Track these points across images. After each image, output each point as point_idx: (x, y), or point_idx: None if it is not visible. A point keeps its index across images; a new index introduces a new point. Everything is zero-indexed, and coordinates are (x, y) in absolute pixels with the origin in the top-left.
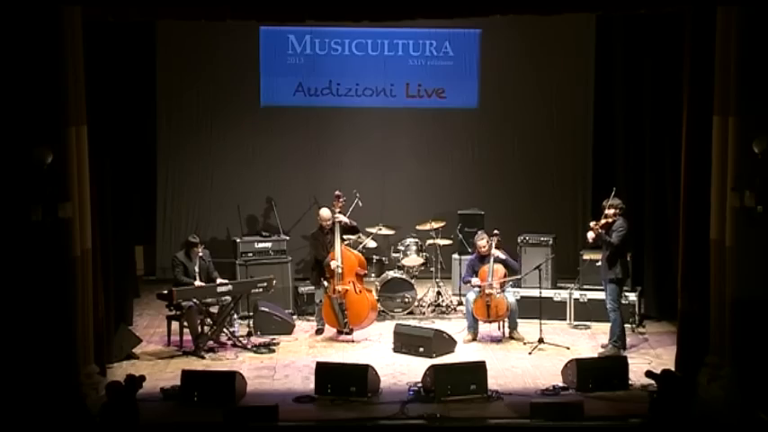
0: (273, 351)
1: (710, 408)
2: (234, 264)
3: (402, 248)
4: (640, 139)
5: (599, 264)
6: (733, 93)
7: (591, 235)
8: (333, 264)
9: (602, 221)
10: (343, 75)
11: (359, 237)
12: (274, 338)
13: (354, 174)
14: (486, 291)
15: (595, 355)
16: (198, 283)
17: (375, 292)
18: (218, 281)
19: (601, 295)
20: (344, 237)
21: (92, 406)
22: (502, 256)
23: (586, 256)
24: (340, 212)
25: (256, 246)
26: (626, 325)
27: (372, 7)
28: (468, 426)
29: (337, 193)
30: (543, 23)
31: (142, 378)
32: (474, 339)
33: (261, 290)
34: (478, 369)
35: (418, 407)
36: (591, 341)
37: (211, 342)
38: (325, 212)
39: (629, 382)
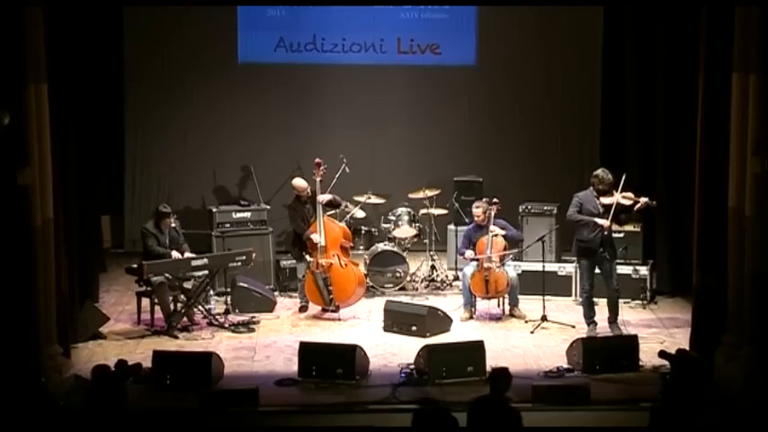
0: (253, 330)
1: (728, 390)
2: (210, 235)
3: (393, 219)
4: (652, 97)
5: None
6: (755, 47)
7: (607, 223)
8: (314, 237)
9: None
10: (328, 29)
11: (345, 206)
12: (254, 316)
13: (341, 137)
14: (485, 264)
15: (605, 334)
16: (175, 254)
17: (364, 266)
18: (187, 255)
19: None
20: (326, 208)
21: (54, 389)
22: (501, 232)
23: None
24: (321, 181)
25: (234, 216)
26: (636, 301)
27: None
28: (466, 411)
29: (318, 160)
30: None
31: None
32: (471, 317)
33: (239, 264)
34: (476, 349)
35: (411, 390)
36: (598, 319)
37: (185, 320)
38: (299, 182)
39: (640, 363)
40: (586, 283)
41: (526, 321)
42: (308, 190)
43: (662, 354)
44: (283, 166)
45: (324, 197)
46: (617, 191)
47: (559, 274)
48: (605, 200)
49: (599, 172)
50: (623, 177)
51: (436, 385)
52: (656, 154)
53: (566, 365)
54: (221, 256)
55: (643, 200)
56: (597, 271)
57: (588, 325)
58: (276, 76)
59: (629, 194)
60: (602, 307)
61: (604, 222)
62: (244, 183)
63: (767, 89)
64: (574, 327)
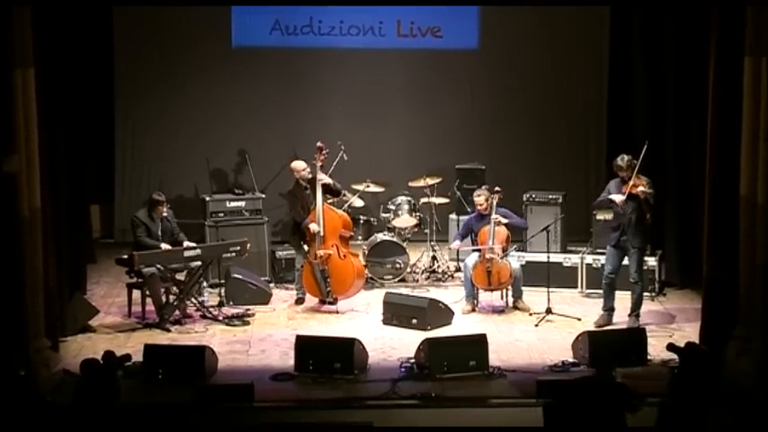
0: (248, 323)
1: (739, 385)
2: (203, 225)
3: (393, 208)
4: (661, 83)
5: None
6: None
7: (620, 198)
8: (313, 227)
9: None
10: (325, 11)
11: (344, 195)
12: (249, 309)
13: (338, 123)
14: (487, 255)
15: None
16: (164, 246)
17: (362, 257)
18: (186, 244)
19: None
20: (326, 195)
21: (42, 384)
22: (504, 220)
23: (600, 216)
24: (322, 166)
25: (228, 205)
26: (645, 293)
27: None
28: (467, 406)
29: (319, 144)
30: None
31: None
32: (473, 310)
33: (233, 254)
34: (478, 343)
35: (411, 385)
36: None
37: (177, 313)
38: (298, 164)
39: (648, 357)
40: (607, 268)
41: (530, 314)
42: (307, 171)
43: (670, 347)
44: (279, 154)
45: (328, 179)
46: (634, 173)
47: (565, 265)
48: (625, 187)
49: (616, 159)
50: (643, 150)
51: (437, 380)
52: (666, 141)
53: (571, 359)
54: (215, 247)
55: (640, 189)
56: (626, 262)
57: (603, 311)
58: (271, 61)
59: (640, 180)
60: (618, 299)
61: (617, 197)
62: (238, 171)
63: None
64: (580, 319)
